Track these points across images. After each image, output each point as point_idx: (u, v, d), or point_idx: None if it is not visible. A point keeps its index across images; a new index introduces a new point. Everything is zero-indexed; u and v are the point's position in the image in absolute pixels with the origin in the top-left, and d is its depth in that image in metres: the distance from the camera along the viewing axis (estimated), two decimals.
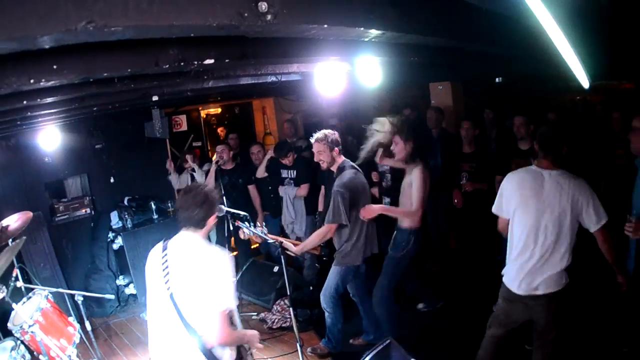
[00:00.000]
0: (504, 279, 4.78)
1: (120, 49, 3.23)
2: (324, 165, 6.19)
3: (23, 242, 5.73)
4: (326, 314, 6.33)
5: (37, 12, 1.92)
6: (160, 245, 3.92)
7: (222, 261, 3.72)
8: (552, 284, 4.49)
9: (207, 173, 8.83)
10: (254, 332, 4.16)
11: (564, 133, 4.70)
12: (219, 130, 13.18)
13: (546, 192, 4.47)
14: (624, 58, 5.93)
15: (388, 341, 5.76)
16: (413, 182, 6.04)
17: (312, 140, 6.26)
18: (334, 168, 6.18)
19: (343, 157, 6.22)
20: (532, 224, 4.52)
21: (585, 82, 4.57)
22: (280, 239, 5.87)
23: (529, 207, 4.55)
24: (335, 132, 6.23)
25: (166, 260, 3.76)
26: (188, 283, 3.66)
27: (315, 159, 6.26)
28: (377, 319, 6.43)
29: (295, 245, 6.01)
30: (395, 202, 6.79)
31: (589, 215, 4.36)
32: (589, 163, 7.23)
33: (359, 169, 6.29)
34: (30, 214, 6.18)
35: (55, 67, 3.10)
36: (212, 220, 3.89)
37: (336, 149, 6.11)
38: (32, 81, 3.10)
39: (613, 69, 6.48)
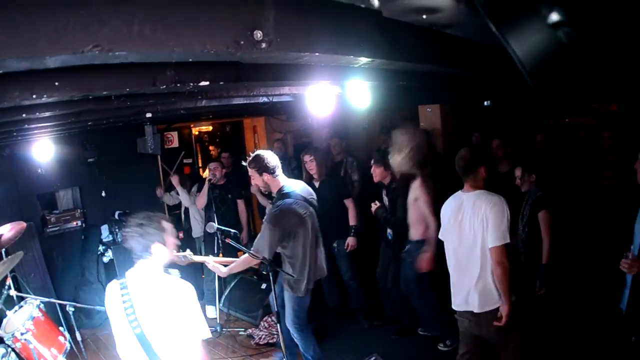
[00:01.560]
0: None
1: (120, 70, 3.33)
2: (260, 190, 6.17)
3: (21, 256, 5.80)
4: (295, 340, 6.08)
5: (47, 34, 2.01)
6: (116, 283, 3.77)
7: (187, 291, 3.62)
8: (485, 302, 4.61)
9: (199, 190, 8.86)
10: None
11: (479, 155, 4.87)
12: (211, 148, 13.26)
13: (462, 215, 4.68)
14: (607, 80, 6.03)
15: (374, 357, 5.89)
16: (418, 198, 6.19)
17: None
18: (274, 193, 5.84)
19: (282, 182, 5.79)
20: (453, 246, 4.79)
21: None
22: (207, 259, 5.65)
23: (450, 230, 4.82)
24: (268, 156, 5.72)
25: (129, 299, 3.61)
26: (160, 320, 3.54)
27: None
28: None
29: (226, 265, 5.69)
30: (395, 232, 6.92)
31: (488, 232, 4.47)
32: (575, 184, 7.32)
33: (307, 194, 5.94)
34: (23, 224, 6.27)
35: (57, 83, 3.20)
36: (159, 248, 3.69)
37: (265, 174, 5.66)
38: (34, 96, 3.19)
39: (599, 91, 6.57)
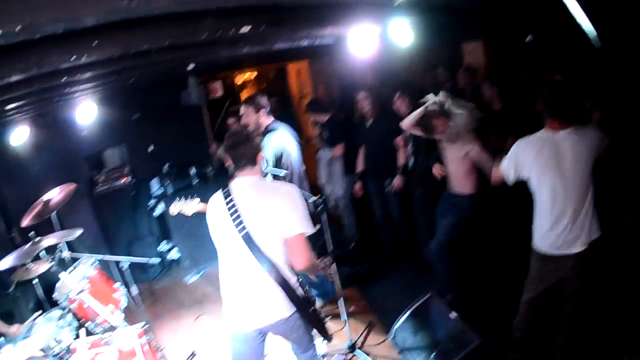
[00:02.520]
0: (538, 244, 4.77)
1: (158, 22, 3.26)
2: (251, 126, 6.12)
3: (79, 233, 5.81)
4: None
5: None
6: (219, 194, 4.10)
7: (293, 190, 4.01)
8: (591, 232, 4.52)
9: None
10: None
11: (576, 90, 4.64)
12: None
13: (561, 152, 4.44)
14: None
15: (429, 295, 5.85)
16: (471, 151, 5.99)
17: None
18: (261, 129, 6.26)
19: (271, 119, 6.40)
20: (550, 186, 4.54)
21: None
22: None
23: (543, 170, 4.54)
24: (264, 96, 6.46)
25: (233, 205, 3.92)
26: (265, 218, 3.86)
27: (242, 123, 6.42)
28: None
29: None
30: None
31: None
32: None
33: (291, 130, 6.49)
34: (73, 185, 6.29)
35: (95, 43, 3.15)
36: (260, 158, 4.08)
37: (262, 111, 6.27)
38: (73, 58, 3.15)
39: None
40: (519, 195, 4.94)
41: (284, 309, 4.00)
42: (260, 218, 3.87)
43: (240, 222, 3.86)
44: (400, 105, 7.20)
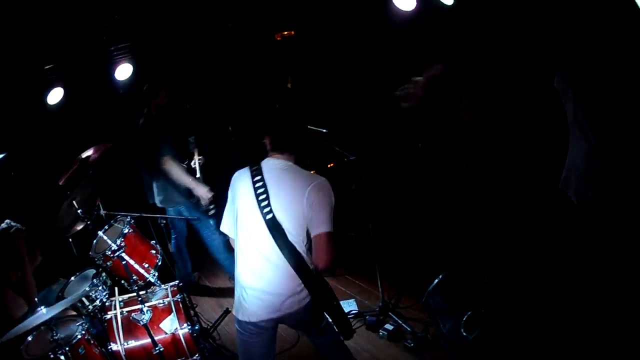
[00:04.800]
0: None
1: None
2: None
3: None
4: None
5: None
6: (246, 171, 3.92)
7: (327, 185, 3.77)
8: None
9: None
10: None
11: None
12: None
13: None
14: None
15: (462, 261, 5.85)
16: None
17: None
18: None
19: None
20: None
21: None
22: None
23: None
24: None
25: (262, 185, 3.75)
26: (294, 207, 3.67)
27: None
28: None
29: None
30: None
31: None
32: None
33: None
34: (109, 144, 6.34)
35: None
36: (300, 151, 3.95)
37: None
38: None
39: None
40: None
41: (302, 299, 3.81)
42: (289, 205, 3.69)
43: (267, 205, 3.69)
44: None
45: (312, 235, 3.69)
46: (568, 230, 5.47)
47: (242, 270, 3.89)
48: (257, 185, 3.76)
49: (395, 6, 6.07)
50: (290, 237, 3.67)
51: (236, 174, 4.03)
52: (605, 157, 4.44)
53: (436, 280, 5.77)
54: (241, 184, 3.90)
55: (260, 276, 3.79)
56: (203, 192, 6.46)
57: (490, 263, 6.03)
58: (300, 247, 3.71)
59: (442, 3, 5.70)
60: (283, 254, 3.67)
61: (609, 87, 4.36)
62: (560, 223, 5.66)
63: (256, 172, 3.84)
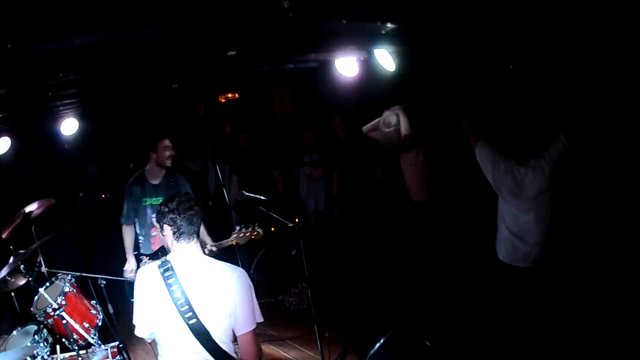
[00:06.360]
0: None
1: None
2: None
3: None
4: None
5: None
6: (155, 271, 3.59)
7: (242, 277, 3.59)
8: None
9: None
10: None
11: None
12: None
13: None
14: None
15: (404, 323, 5.89)
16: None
17: None
18: None
19: None
20: None
21: None
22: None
23: None
24: None
25: (179, 288, 3.48)
26: (218, 308, 3.48)
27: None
28: None
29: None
30: None
31: None
32: None
33: None
34: (52, 200, 6.27)
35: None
36: (203, 232, 3.83)
37: None
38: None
39: None
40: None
41: None
42: (212, 309, 3.48)
43: (189, 310, 3.45)
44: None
45: (237, 335, 3.56)
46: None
47: None
48: (173, 288, 3.48)
49: (338, 72, 6.26)
50: (215, 338, 3.49)
51: (143, 273, 3.73)
52: None
53: (377, 344, 5.81)
54: (153, 286, 3.58)
55: None
56: (126, 267, 6.52)
57: (431, 325, 6.11)
58: (227, 345, 3.57)
59: (384, 69, 5.85)
60: (210, 354, 3.50)
61: None
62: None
63: (167, 272, 3.53)
